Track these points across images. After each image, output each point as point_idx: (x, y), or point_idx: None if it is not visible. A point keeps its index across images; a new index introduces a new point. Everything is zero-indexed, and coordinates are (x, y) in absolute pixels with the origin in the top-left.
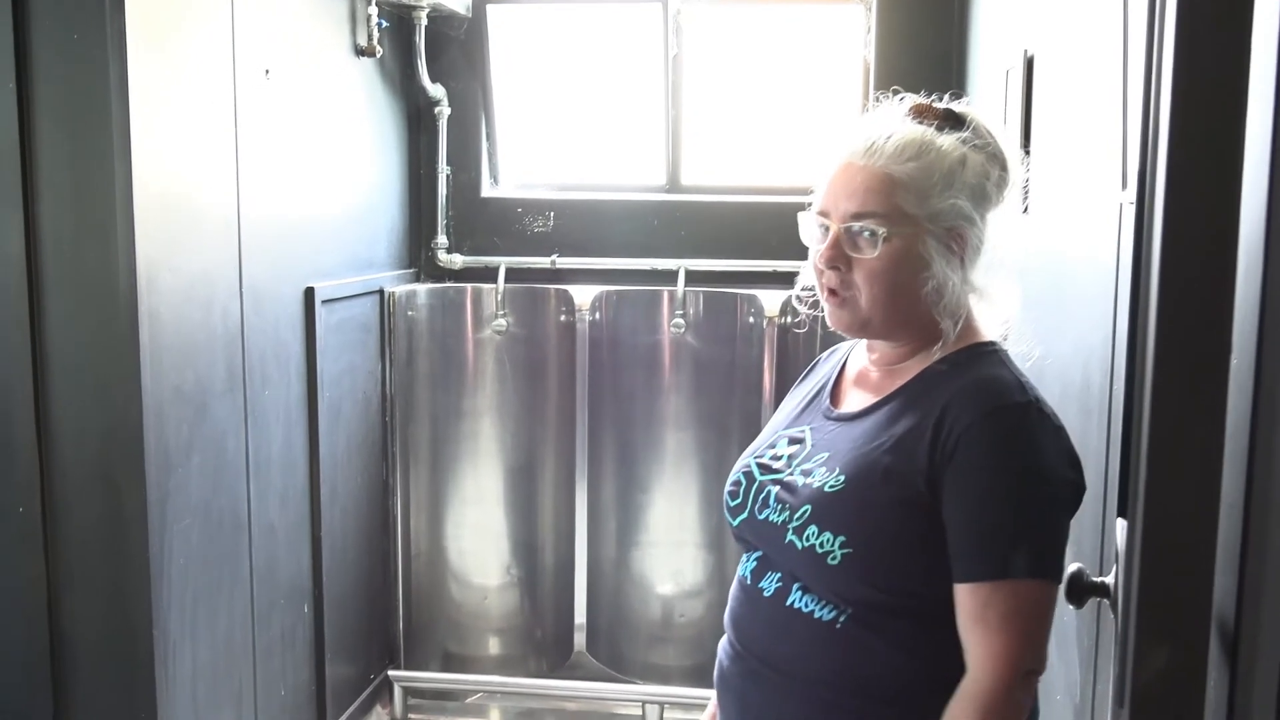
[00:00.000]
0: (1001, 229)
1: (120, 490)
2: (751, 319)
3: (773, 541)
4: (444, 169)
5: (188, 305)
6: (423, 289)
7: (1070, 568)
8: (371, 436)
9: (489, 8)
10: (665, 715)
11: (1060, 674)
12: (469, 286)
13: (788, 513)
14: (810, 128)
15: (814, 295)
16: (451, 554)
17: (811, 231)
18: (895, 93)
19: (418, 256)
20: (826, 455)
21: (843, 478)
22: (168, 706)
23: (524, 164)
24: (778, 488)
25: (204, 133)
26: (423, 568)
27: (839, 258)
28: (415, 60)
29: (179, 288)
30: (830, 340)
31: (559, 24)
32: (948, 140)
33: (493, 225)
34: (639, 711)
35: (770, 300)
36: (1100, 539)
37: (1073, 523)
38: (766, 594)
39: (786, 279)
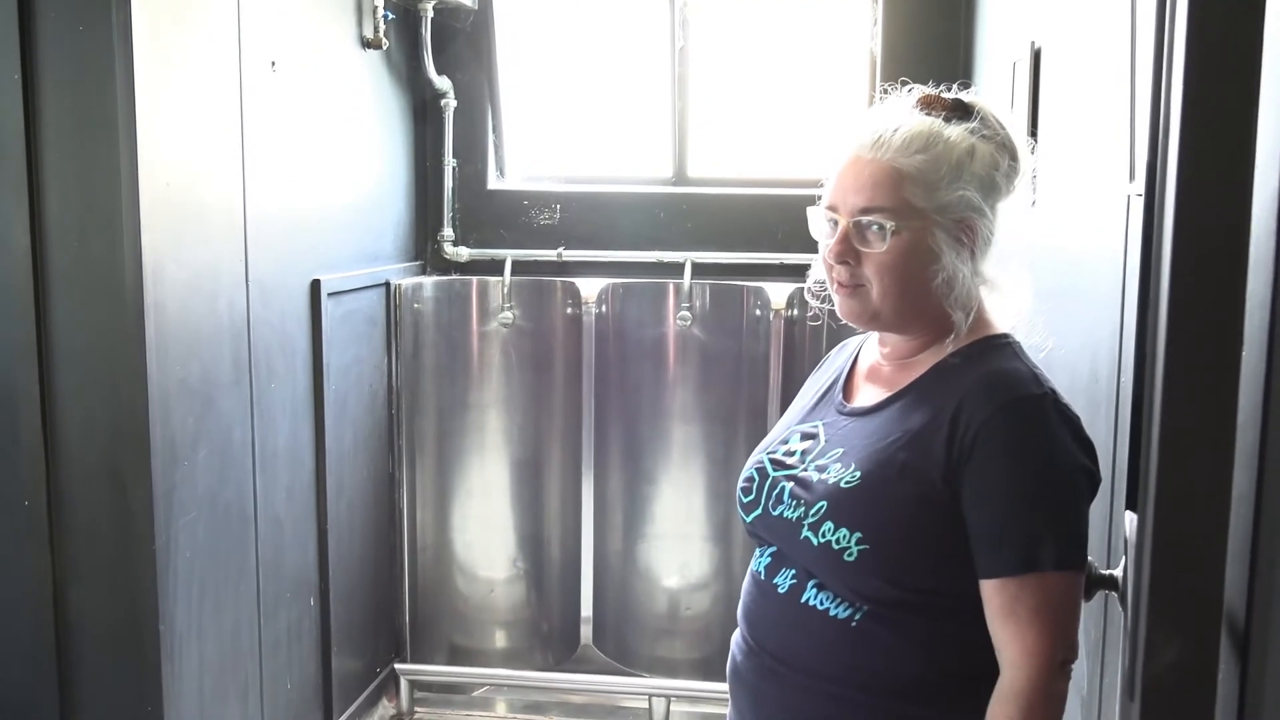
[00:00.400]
0: (1012, 219)
1: (126, 483)
2: (758, 311)
3: (787, 538)
4: (450, 161)
5: (193, 298)
6: (429, 281)
7: None
8: (377, 429)
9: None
10: (672, 708)
11: None
12: (475, 279)
13: (803, 509)
14: (817, 120)
15: (825, 289)
16: (458, 547)
17: (820, 226)
18: (903, 83)
19: (424, 249)
20: (841, 451)
21: (859, 473)
22: (174, 700)
23: (530, 156)
24: (792, 484)
25: (210, 125)
26: (429, 561)
27: (848, 252)
28: (421, 52)
29: (185, 280)
30: (839, 333)
31: (565, 16)
32: (955, 131)
33: (499, 218)
34: (645, 705)
35: (777, 293)
36: (1108, 532)
37: None
38: (781, 590)
39: (793, 271)
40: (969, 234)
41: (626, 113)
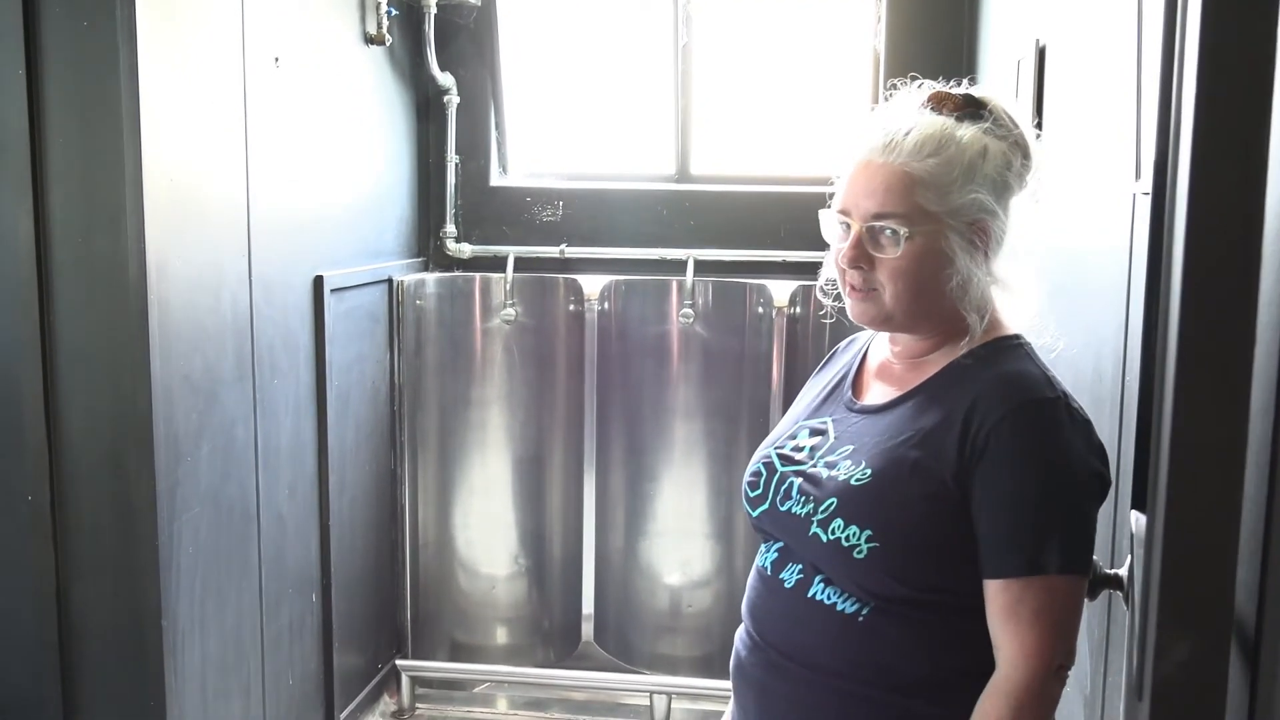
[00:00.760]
0: (1024, 218)
1: (129, 479)
2: (760, 309)
3: (795, 533)
4: (453, 158)
5: (197, 293)
6: (431, 278)
7: None
8: (380, 426)
9: None
10: (673, 706)
11: None
12: (477, 276)
13: (812, 505)
14: (820, 117)
15: (836, 287)
16: (459, 544)
17: (833, 229)
18: (913, 78)
19: (426, 245)
20: (851, 448)
21: (869, 471)
22: (176, 696)
23: (533, 153)
24: (800, 479)
25: (213, 121)
26: (431, 557)
27: (861, 257)
28: (425, 49)
29: (188, 276)
30: (842, 331)
31: (568, 13)
32: (968, 132)
33: (501, 214)
34: (646, 702)
35: (779, 290)
36: (1112, 531)
37: None
38: (788, 585)
39: (796, 269)
40: (982, 236)
41: (629, 109)
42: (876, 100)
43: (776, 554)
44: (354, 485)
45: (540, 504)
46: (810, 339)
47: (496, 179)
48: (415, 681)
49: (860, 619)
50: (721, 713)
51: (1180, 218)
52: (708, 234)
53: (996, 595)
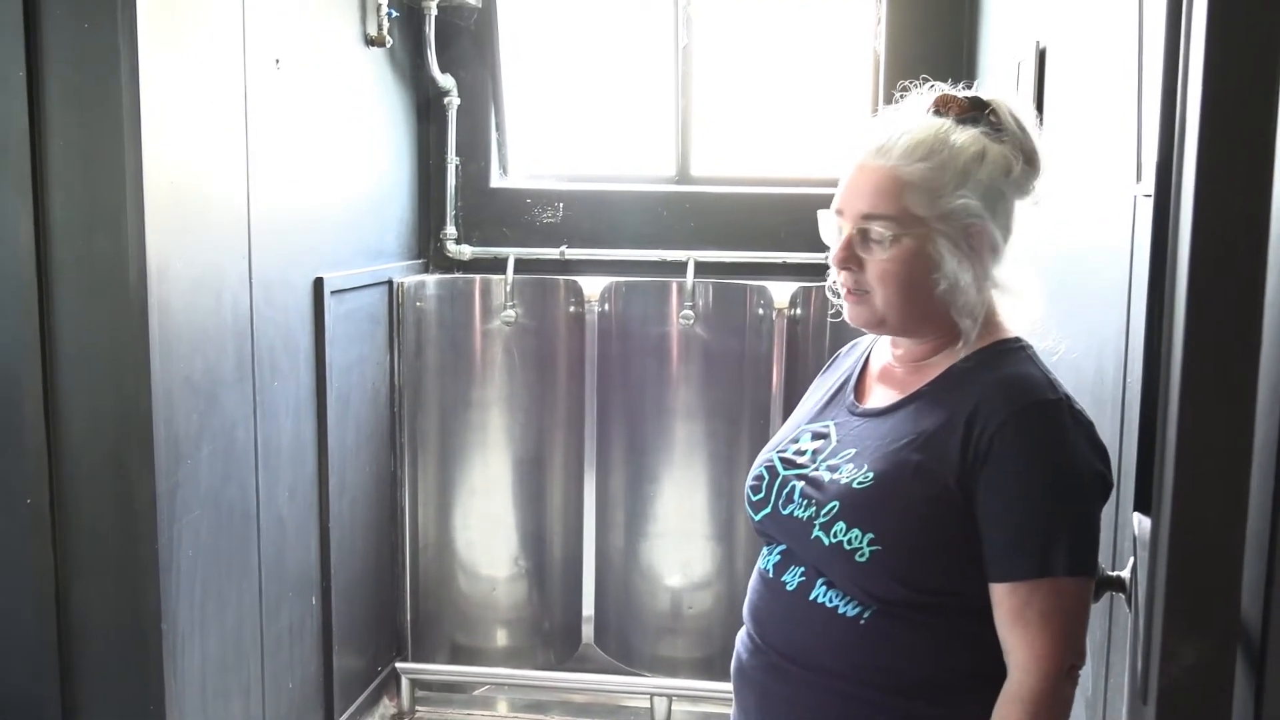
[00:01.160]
0: (1025, 222)
1: (130, 481)
2: (761, 310)
3: (798, 537)
4: (453, 159)
5: (197, 295)
6: (431, 280)
7: None
8: (380, 427)
9: None
10: (674, 708)
11: None
12: (478, 277)
13: (814, 508)
14: (820, 119)
15: None
16: (460, 545)
17: (830, 230)
18: (924, 79)
19: (426, 247)
20: (854, 451)
21: (871, 474)
22: (176, 698)
23: (533, 155)
24: (803, 483)
25: (214, 122)
26: (431, 559)
27: (851, 258)
28: (425, 50)
29: (189, 277)
30: (843, 332)
31: (569, 14)
32: (964, 135)
33: (502, 216)
34: (647, 704)
35: (780, 291)
36: (1114, 533)
37: None
38: (790, 588)
39: (796, 270)
40: (975, 240)
41: (629, 111)
42: (877, 102)
43: (779, 557)
44: (354, 487)
45: (541, 505)
46: (810, 340)
47: (497, 180)
48: (415, 684)
49: (862, 622)
50: (723, 715)
51: (1185, 220)
52: (708, 235)
53: (1004, 598)
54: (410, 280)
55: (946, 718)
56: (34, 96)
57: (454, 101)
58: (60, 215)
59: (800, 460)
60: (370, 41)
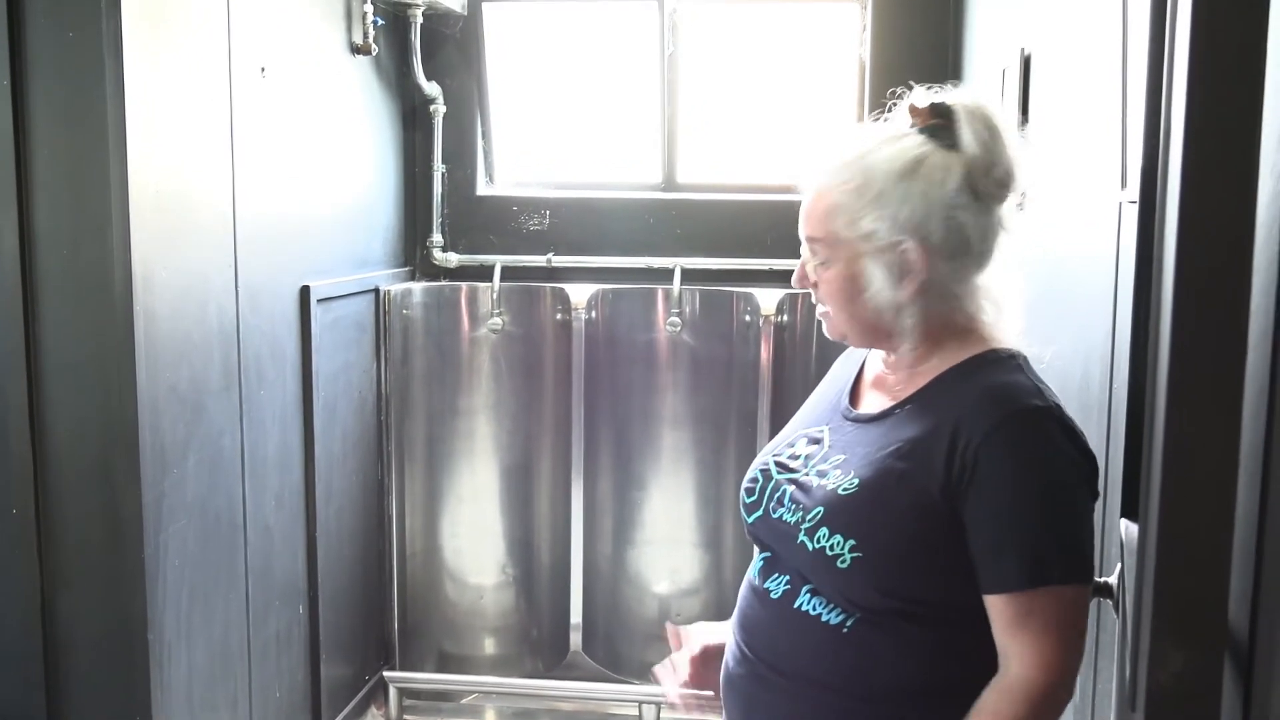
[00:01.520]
0: (1011, 228)
1: (116, 490)
2: (747, 317)
3: (784, 541)
4: (439, 167)
5: (183, 303)
6: (418, 287)
7: None
8: (367, 435)
9: (485, 5)
10: (661, 716)
11: None
12: (464, 285)
13: (800, 513)
14: (806, 126)
15: None
16: (447, 553)
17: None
18: (909, 87)
19: (413, 255)
20: (843, 457)
21: (856, 481)
22: (163, 708)
23: (519, 162)
24: (793, 487)
25: (200, 131)
26: (418, 567)
27: (805, 279)
28: (411, 58)
29: (175, 286)
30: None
31: (555, 22)
32: (890, 150)
33: (488, 223)
34: (635, 712)
35: (766, 298)
36: (1101, 539)
37: None
38: (774, 595)
39: (782, 277)
40: (907, 259)
41: (615, 118)
42: (862, 108)
43: (763, 563)
44: (341, 495)
45: (528, 513)
46: (797, 347)
47: (483, 188)
48: (403, 693)
49: (845, 630)
50: None
51: (1171, 227)
52: (695, 242)
53: (1004, 608)
54: (397, 288)
55: None
56: (18, 106)
57: (440, 109)
58: (45, 224)
59: (793, 464)
60: (356, 49)
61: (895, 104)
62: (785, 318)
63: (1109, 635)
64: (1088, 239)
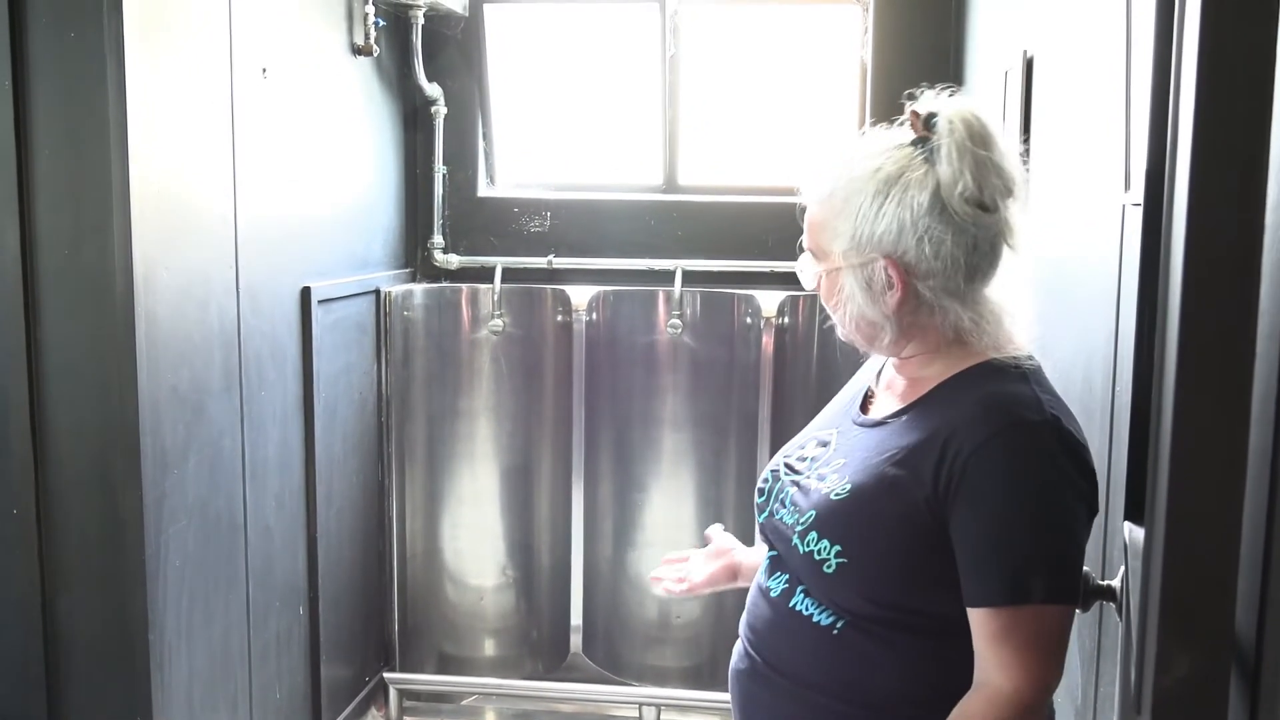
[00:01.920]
0: (983, 242)
1: (116, 491)
2: (748, 319)
3: (784, 542)
4: (440, 168)
5: (185, 305)
6: (419, 289)
7: None
8: (367, 437)
9: (486, 7)
10: (662, 717)
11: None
12: (465, 286)
13: (796, 515)
14: (808, 128)
15: None
16: (447, 555)
17: None
18: (920, 91)
19: (414, 256)
20: (843, 462)
21: (849, 486)
22: (163, 710)
23: (520, 164)
24: (795, 489)
25: (201, 132)
26: (418, 569)
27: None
28: (412, 59)
29: (176, 287)
30: (833, 343)
31: (556, 24)
32: (867, 166)
33: (489, 225)
34: (635, 714)
35: (767, 300)
36: (1104, 542)
37: None
38: (774, 594)
39: (783, 279)
40: (882, 275)
41: (617, 120)
42: (864, 111)
43: (769, 561)
44: (341, 496)
45: (528, 515)
46: (799, 349)
47: (484, 189)
48: (403, 694)
49: (835, 632)
50: None
51: (1179, 230)
52: (696, 244)
53: (985, 622)
54: (398, 289)
55: None
56: (20, 106)
57: (441, 110)
58: (47, 225)
59: (800, 466)
60: (357, 51)
61: (907, 106)
62: (786, 320)
63: (1111, 638)
64: (1090, 241)
